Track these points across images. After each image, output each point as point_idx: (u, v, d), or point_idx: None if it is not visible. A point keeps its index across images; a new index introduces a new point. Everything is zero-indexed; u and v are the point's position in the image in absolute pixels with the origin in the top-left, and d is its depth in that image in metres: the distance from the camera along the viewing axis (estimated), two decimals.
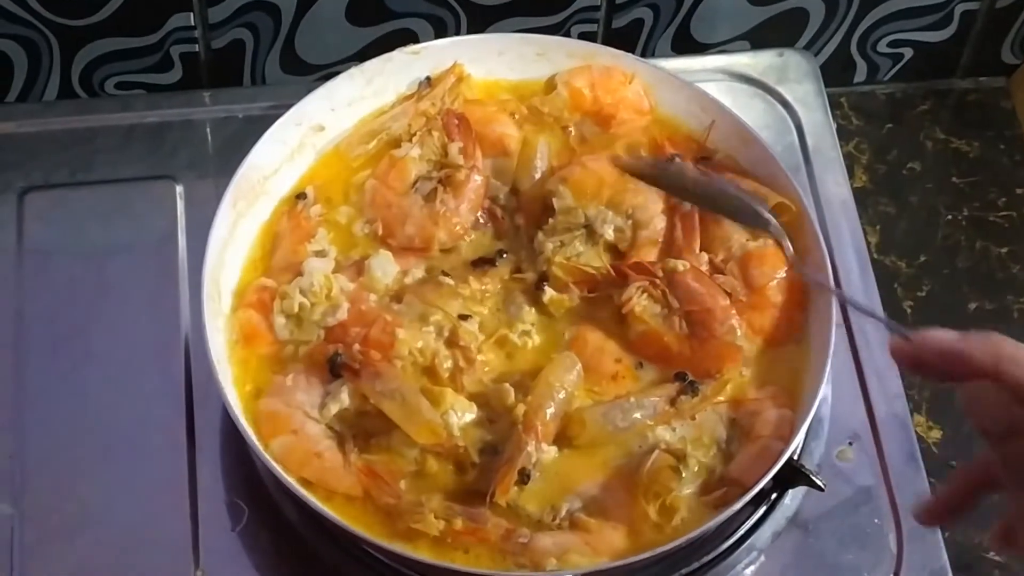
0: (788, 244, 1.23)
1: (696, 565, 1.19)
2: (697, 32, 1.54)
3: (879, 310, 1.32)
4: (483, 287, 1.24)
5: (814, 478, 1.17)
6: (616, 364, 1.21)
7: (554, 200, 1.27)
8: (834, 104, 1.51)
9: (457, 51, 1.35)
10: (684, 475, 1.15)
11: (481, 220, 1.29)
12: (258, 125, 1.29)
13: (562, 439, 1.17)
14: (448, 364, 1.20)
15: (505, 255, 1.27)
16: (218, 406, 1.23)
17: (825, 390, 1.24)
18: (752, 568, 1.21)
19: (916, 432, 1.29)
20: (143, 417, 1.26)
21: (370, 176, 1.30)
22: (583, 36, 1.51)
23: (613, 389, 1.20)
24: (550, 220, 1.27)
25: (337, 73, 1.32)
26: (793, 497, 1.22)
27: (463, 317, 1.21)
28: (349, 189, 1.31)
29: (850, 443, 1.27)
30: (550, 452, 1.16)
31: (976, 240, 1.52)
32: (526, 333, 1.22)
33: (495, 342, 1.22)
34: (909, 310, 1.47)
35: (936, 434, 1.39)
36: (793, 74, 1.49)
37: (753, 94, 1.48)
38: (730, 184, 1.25)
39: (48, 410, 1.26)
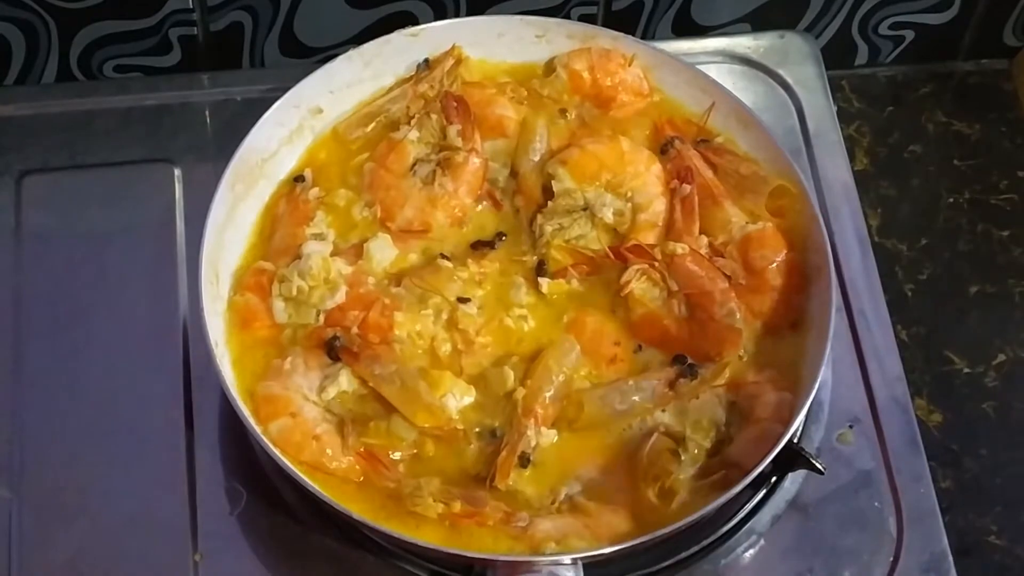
0: None
1: (696, 548, 1.19)
2: (697, 14, 1.54)
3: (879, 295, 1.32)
4: (482, 270, 1.24)
5: (814, 461, 1.17)
6: (615, 347, 1.21)
7: (553, 183, 1.27)
8: (835, 87, 1.50)
9: (456, 33, 1.35)
10: (683, 458, 1.15)
11: (480, 203, 1.29)
12: (257, 108, 1.28)
13: (561, 422, 1.17)
14: (447, 347, 1.20)
15: (504, 238, 1.27)
16: (216, 389, 1.23)
17: (825, 373, 1.24)
18: (752, 551, 1.21)
19: (917, 416, 1.28)
20: (142, 400, 1.26)
21: (368, 159, 1.30)
22: (583, 18, 1.50)
23: (612, 372, 1.20)
24: (549, 203, 1.27)
25: (336, 55, 1.32)
26: (793, 480, 1.22)
27: (462, 300, 1.21)
28: (347, 172, 1.30)
29: (850, 426, 1.26)
30: (549, 436, 1.16)
31: (977, 223, 1.52)
32: (525, 316, 1.22)
33: (494, 325, 1.21)
34: (910, 293, 1.47)
35: (937, 417, 1.39)
36: (794, 56, 1.49)
37: (753, 76, 1.47)
38: None
39: (47, 394, 1.26)
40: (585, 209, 1.27)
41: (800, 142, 1.42)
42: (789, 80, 1.47)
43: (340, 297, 1.21)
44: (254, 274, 1.23)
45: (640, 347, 1.21)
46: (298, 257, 1.22)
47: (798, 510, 1.22)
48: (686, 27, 1.55)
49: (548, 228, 1.25)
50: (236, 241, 1.25)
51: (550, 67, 1.35)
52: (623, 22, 1.51)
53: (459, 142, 1.28)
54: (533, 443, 1.15)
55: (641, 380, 1.18)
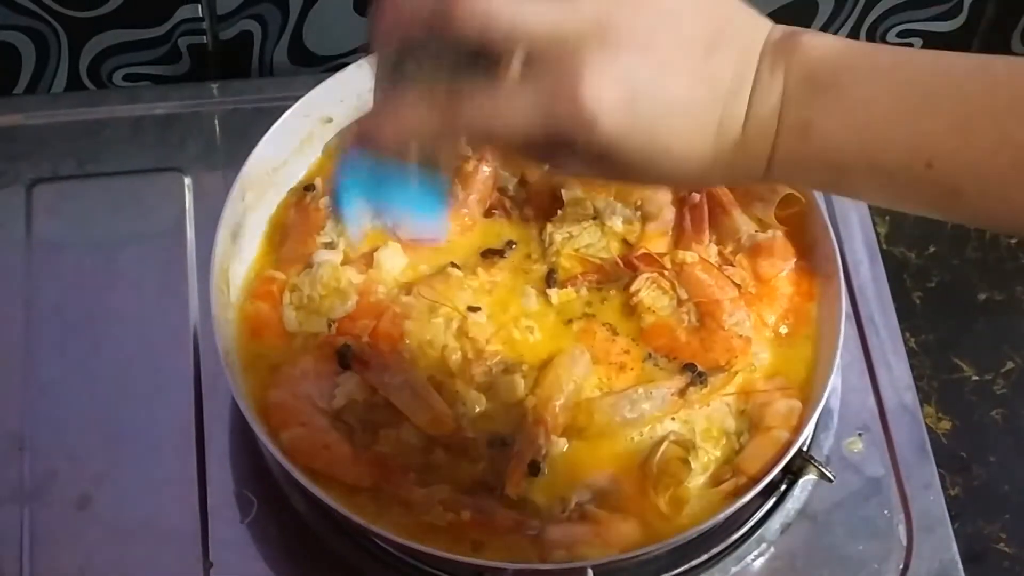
0: None
1: (705, 557, 1.19)
2: None
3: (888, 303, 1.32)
4: (492, 278, 1.24)
5: (823, 469, 1.17)
6: (625, 355, 1.21)
7: (563, 191, 1.27)
8: None
9: None
10: (693, 466, 1.15)
11: (490, 211, 1.29)
12: (266, 117, 1.28)
13: (571, 431, 1.17)
14: (457, 356, 1.20)
15: (514, 246, 1.27)
16: (227, 398, 1.23)
17: (834, 381, 1.24)
18: (761, 560, 1.21)
19: (926, 423, 1.29)
20: (152, 409, 1.26)
21: None
22: None
23: (622, 380, 1.20)
24: (559, 211, 1.27)
25: (345, 64, 1.32)
26: (802, 488, 1.22)
27: (472, 309, 1.21)
28: None
29: (859, 434, 1.27)
30: (559, 444, 1.16)
31: (985, 230, 1.52)
32: (534, 325, 1.22)
33: (504, 334, 1.22)
34: (919, 301, 1.47)
35: (946, 425, 1.39)
36: None
37: None
38: None
39: (57, 402, 1.26)
40: (595, 218, 1.27)
41: None
42: None
43: (350, 306, 1.21)
44: (264, 283, 1.23)
45: (650, 355, 1.21)
46: (309, 266, 1.22)
47: (808, 518, 1.22)
48: None
49: (558, 237, 1.25)
50: (246, 250, 1.26)
51: None
52: None
53: (469, 151, 1.28)
54: (543, 451, 1.15)
55: (651, 388, 1.18)
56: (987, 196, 0.77)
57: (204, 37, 1.45)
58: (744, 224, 1.26)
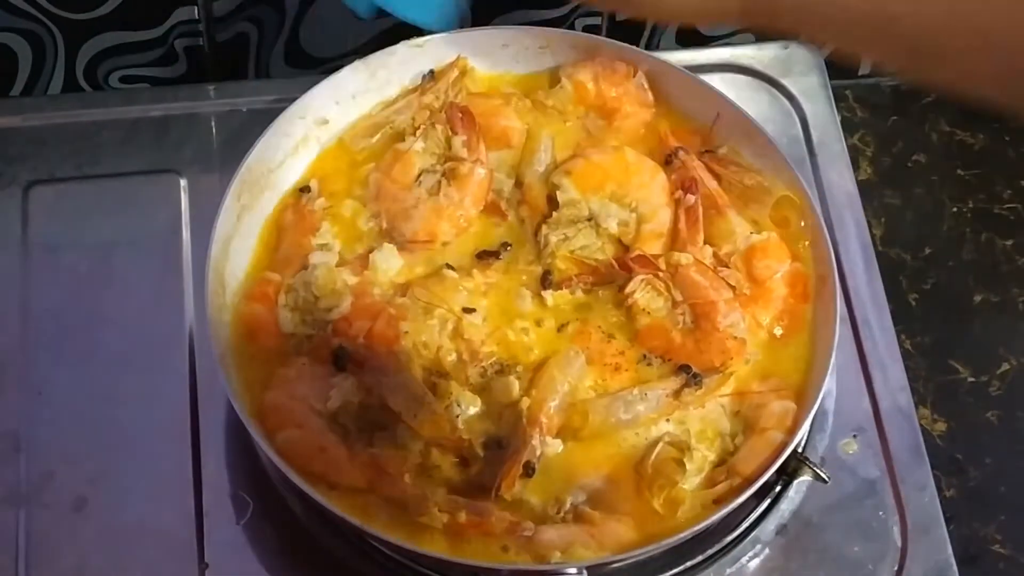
0: None
1: (700, 558, 1.19)
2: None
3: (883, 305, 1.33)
4: (487, 280, 1.25)
5: (818, 471, 1.17)
6: (620, 357, 1.21)
7: (558, 193, 1.27)
8: (839, 96, 1.50)
9: (461, 44, 1.35)
10: (688, 468, 1.15)
11: (485, 213, 1.29)
12: (262, 118, 1.28)
13: (566, 432, 1.17)
14: (452, 357, 1.20)
15: (509, 248, 1.27)
16: (222, 399, 1.23)
17: (829, 383, 1.24)
18: (756, 561, 1.21)
19: (921, 425, 1.29)
20: (148, 410, 1.26)
21: (374, 170, 1.30)
22: (587, 29, 1.51)
23: (617, 382, 1.20)
24: (554, 213, 1.27)
25: (341, 66, 1.32)
26: (797, 490, 1.23)
27: (467, 310, 1.21)
28: (353, 183, 1.30)
29: (854, 436, 1.27)
30: (554, 445, 1.16)
31: (981, 232, 1.52)
32: (530, 326, 1.22)
33: (499, 335, 1.22)
34: (914, 302, 1.47)
35: (941, 427, 1.39)
36: (798, 67, 1.49)
37: (758, 87, 1.47)
38: None
39: (53, 404, 1.26)
40: (590, 219, 1.27)
41: (804, 152, 1.43)
42: (793, 90, 1.47)
43: (346, 307, 1.21)
44: (260, 284, 1.23)
45: (645, 357, 1.21)
46: (304, 267, 1.23)
47: (802, 520, 1.22)
48: (690, 37, 1.55)
49: (553, 238, 1.25)
50: (242, 251, 1.26)
51: (555, 78, 1.35)
52: (627, 33, 1.52)
53: (464, 153, 1.28)
54: (538, 452, 1.15)
55: (646, 390, 1.18)
56: (942, 59, 0.79)
57: (201, 39, 1.46)
58: (739, 226, 1.26)
